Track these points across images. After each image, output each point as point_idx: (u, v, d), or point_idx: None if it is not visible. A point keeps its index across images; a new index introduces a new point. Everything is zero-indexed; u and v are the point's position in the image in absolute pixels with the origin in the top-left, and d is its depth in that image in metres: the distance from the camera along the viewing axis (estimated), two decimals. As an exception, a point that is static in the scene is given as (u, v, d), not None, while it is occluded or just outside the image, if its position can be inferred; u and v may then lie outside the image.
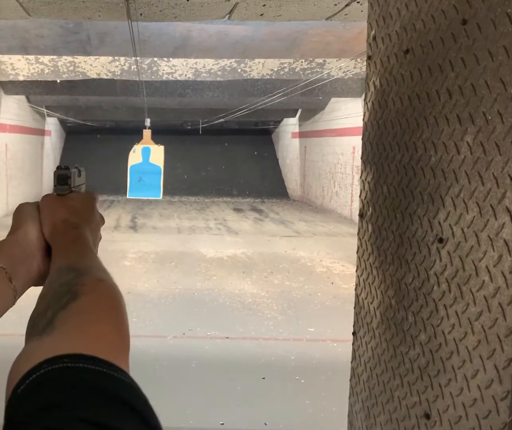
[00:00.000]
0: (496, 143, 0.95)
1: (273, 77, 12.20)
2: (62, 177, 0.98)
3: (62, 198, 0.96)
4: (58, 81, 11.51)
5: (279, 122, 25.18)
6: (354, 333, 1.64)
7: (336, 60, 11.02)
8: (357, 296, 1.61)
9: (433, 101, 1.15)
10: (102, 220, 1.01)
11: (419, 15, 1.21)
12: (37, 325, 0.63)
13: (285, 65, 11.70)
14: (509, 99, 0.92)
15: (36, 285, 0.88)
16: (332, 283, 9.15)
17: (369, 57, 1.48)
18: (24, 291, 0.84)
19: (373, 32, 1.45)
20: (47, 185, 20.21)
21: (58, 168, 0.99)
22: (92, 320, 0.63)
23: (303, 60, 11.27)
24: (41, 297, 0.73)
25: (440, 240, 1.13)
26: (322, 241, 13.44)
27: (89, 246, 0.88)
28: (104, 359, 0.50)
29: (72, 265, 0.77)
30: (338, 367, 4.82)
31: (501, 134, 0.94)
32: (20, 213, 0.92)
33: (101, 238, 1.01)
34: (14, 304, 0.81)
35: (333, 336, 6.67)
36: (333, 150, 18.34)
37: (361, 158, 1.55)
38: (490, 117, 0.96)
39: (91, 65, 11.13)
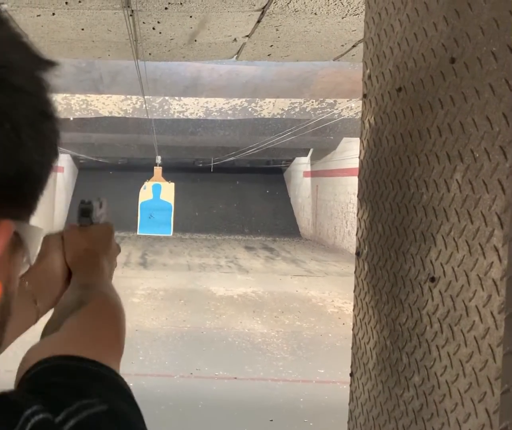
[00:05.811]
0: (484, 181, 0.94)
1: (283, 116, 12.28)
2: (85, 211, 1.08)
3: (84, 229, 1.06)
4: (71, 118, 11.71)
5: (291, 161, 25.28)
6: (351, 374, 1.61)
7: (347, 101, 11.09)
8: (354, 336, 1.58)
9: (424, 139, 1.15)
10: (118, 249, 1.13)
11: (410, 53, 1.22)
12: (48, 329, 0.79)
13: (296, 105, 11.78)
14: (495, 137, 0.91)
15: None
16: (344, 323, 9.04)
17: (364, 96, 1.48)
18: (47, 311, 0.96)
19: (368, 71, 1.46)
20: (58, 221, 20.35)
21: (82, 202, 1.09)
22: (90, 324, 0.76)
23: (314, 100, 11.35)
24: (56, 308, 0.88)
25: (432, 279, 1.11)
26: (334, 281, 13.35)
27: (104, 271, 1.01)
28: (91, 358, 0.58)
29: (85, 284, 0.91)
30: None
31: (488, 172, 0.93)
32: (46, 243, 1.02)
33: (116, 265, 1.12)
34: (35, 323, 0.93)
35: (343, 378, 6.53)
36: (345, 190, 18.34)
37: (357, 196, 1.54)
38: (477, 155, 0.95)
39: (103, 103, 11.29)
